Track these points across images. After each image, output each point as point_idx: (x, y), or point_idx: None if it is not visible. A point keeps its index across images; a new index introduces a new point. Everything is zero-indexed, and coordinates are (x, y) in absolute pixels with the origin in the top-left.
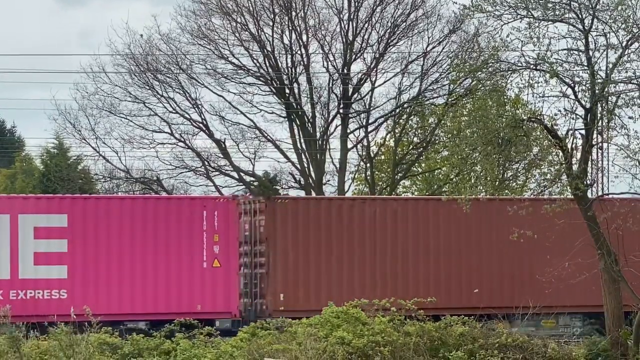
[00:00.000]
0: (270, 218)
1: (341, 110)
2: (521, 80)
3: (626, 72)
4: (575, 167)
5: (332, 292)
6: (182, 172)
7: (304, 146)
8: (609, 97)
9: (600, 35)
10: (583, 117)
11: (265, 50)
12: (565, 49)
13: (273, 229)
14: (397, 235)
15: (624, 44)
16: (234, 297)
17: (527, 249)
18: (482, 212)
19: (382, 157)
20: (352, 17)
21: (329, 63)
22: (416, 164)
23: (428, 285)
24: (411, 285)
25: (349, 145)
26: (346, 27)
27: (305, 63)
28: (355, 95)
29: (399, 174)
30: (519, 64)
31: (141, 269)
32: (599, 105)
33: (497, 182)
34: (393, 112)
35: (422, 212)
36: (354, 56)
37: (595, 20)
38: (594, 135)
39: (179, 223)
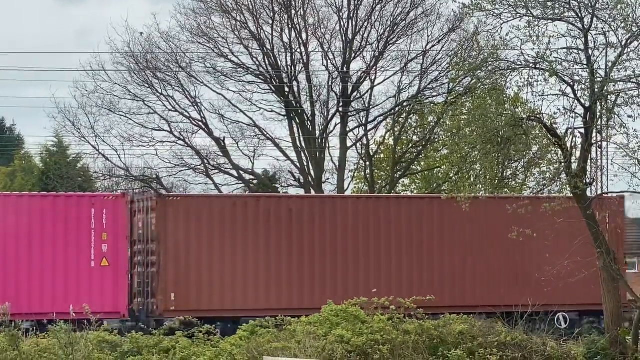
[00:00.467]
0: (161, 216)
1: (341, 109)
2: (521, 79)
3: (625, 70)
4: (574, 166)
5: (225, 292)
6: (181, 171)
7: (303, 144)
8: (609, 96)
9: (600, 34)
10: (582, 115)
11: (264, 49)
12: (564, 48)
13: (164, 227)
14: (292, 234)
15: (623, 43)
16: (123, 296)
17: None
18: (378, 208)
19: (382, 155)
20: (351, 15)
21: (329, 61)
22: (415, 163)
23: (325, 285)
24: (298, 283)
25: (349, 143)
26: (346, 26)
27: (305, 61)
28: (354, 94)
29: (399, 173)
30: (519, 63)
31: (26, 267)
32: (598, 104)
33: (496, 181)
34: (392, 111)
35: (319, 210)
36: (353, 54)
37: (594, 19)
38: (594, 134)
39: (67, 221)
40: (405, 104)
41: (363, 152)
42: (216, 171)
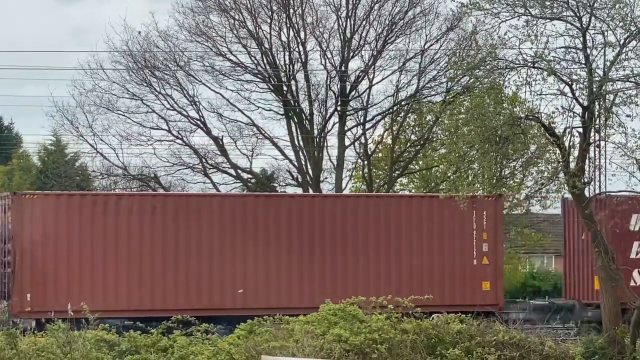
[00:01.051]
0: (17, 215)
1: (339, 108)
2: (519, 78)
3: (624, 70)
4: (572, 165)
5: (84, 291)
6: (179, 169)
7: (301, 143)
8: (607, 95)
9: (598, 33)
10: (580, 115)
11: (263, 48)
12: (562, 47)
13: (20, 227)
14: (155, 233)
15: (621, 42)
16: None
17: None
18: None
19: (380, 154)
20: (349, 14)
21: (327, 60)
22: (413, 162)
23: (188, 286)
24: (161, 284)
25: (347, 142)
26: (344, 25)
27: (303, 60)
28: (352, 93)
29: (397, 172)
30: (517, 62)
31: None
32: (596, 103)
33: (494, 180)
34: (390, 110)
35: (184, 208)
36: (351, 53)
37: (592, 18)
38: (592, 133)
39: None
40: (403, 103)
41: (361, 151)
42: (214, 170)
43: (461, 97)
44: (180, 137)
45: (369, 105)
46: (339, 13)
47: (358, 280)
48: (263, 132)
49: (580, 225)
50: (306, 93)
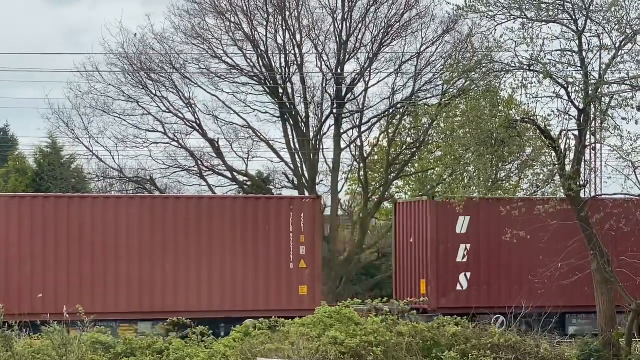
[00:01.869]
0: None
1: (334, 110)
2: (515, 81)
3: (619, 73)
4: (568, 168)
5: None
6: (175, 172)
7: (297, 146)
8: (602, 98)
9: (594, 36)
10: (576, 117)
11: (259, 50)
12: (558, 50)
13: None
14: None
15: (617, 45)
16: None
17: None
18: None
19: (376, 157)
20: (345, 17)
21: (323, 63)
22: (409, 164)
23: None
24: None
25: (343, 145)
26: (340, 27)
27: (299, 63)
28: (348, 95)
29: (392, 174)
30: (513, 65)
31: None
32: (592, 106)
33: (490, 183)
34: (386, 112)
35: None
36: (347, 56)
37: (588, 21)
38: (587, 136)
39: None
40: (399, 105)
41: (357, 153)
42: (210, 172)
43: (457, 99)
44: (176, 139)
45: (364, 108)
46: (335, 15)
47: (166, 287)
48: (259, 134)
49: (409, 228)
50: (302, 96)
